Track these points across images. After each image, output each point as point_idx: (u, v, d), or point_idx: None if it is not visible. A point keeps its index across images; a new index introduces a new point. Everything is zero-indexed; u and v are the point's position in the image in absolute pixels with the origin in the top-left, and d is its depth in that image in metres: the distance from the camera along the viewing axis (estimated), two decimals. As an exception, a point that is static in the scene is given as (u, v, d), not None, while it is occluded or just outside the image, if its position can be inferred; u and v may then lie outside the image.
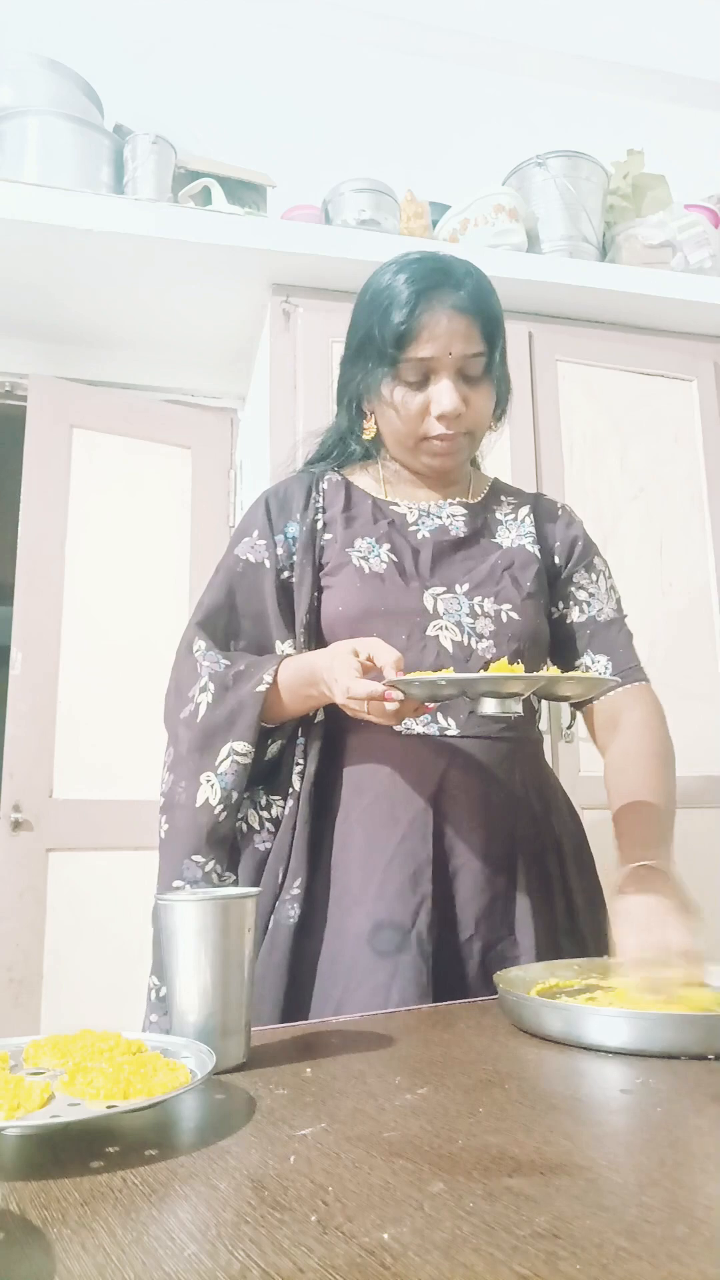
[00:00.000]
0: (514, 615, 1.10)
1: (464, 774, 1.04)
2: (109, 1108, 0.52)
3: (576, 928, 1.08)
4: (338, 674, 0.93)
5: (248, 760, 1.04)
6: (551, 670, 1.00)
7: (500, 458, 2.24)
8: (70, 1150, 0.51)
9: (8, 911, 2.20)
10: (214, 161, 2.34)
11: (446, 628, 1.07)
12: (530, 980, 0.84)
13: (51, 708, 2.32)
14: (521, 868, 1.05)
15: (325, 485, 1.17)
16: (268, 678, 1.03)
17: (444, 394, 1.05)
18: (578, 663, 1.16)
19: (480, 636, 1.07)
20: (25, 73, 2.26)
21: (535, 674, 0.90)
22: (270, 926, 1.01)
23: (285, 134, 2.59)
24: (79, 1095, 0.54)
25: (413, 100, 2.74)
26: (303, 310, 2.28)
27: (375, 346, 1.07)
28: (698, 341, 2.54)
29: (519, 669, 0.91)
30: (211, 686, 1.06)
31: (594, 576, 1.21)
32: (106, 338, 2.60)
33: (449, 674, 0.91)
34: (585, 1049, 0.69)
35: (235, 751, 1.03)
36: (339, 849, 1.04)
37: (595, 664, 1.16)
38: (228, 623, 1.13)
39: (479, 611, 1.09)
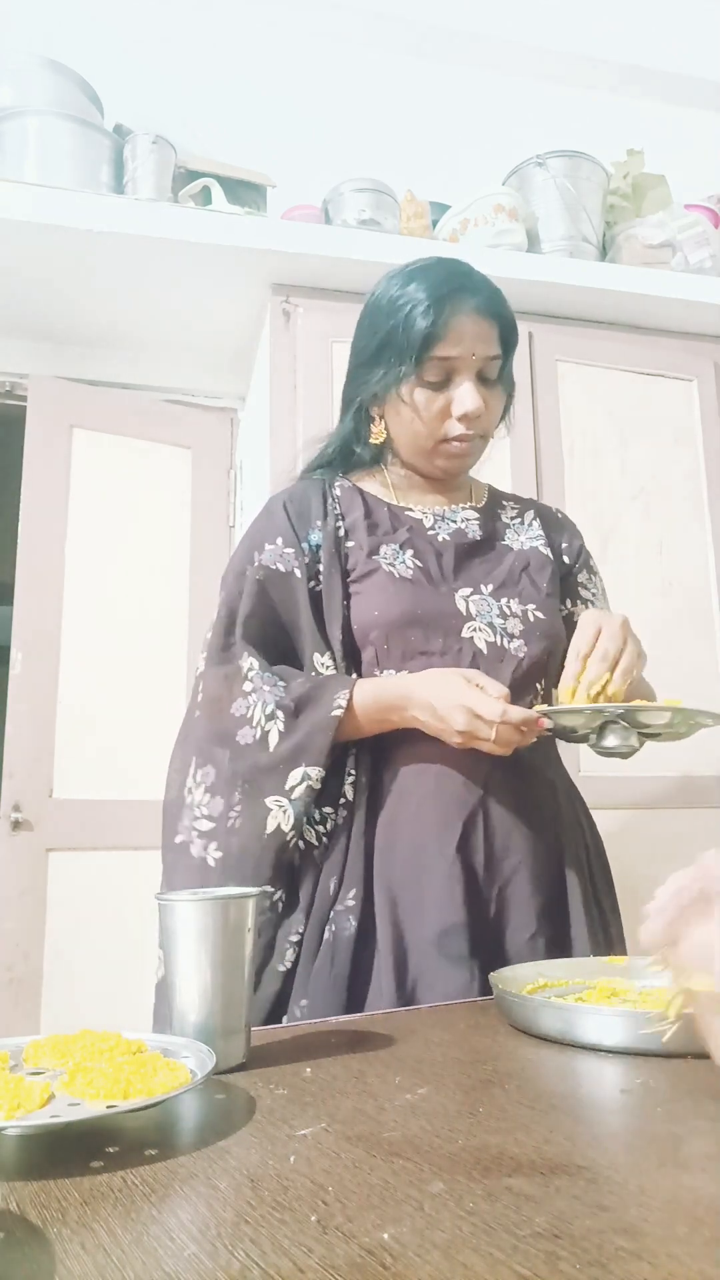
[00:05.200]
0: (539, 614, 1.13)
1: (508, 775, 1.05)
2: (109, 1108, 0.52)
3: (608, 922, 1.11)
4: (471, 700, 0.94)
5: (319, 784, 1.01)
6: (673, 702, 0.97)
7: (500, 458, 2.24)
8: (70, 1150, 0.51)
9: (8, 911, 2.20)
10: (214, 161, 2.34)
11: (480, 629, 1.09)
12: (521, 980, 0.84)
13: (51, 708, 2.32)
14: (568, 863, 1.08)
15: (338, 492, 1.16)
16: (341, 702, 1.00)
17: (466, 394, 1.07)
18: None
19: (511, 636, 1.10)
20: (25, 73, 2.25)
21: (693, 708, 0.91)
22: (326, 939, 0.99)
23: (285, 134, 2.59)
24: (79, 1095, 0.54)
25: (413, 100, 2.74)
26: (303, 310, 2.28)
27: (396, 347, 1.07)
28: (698, 341, 2.54)
29: (678, 701, 0.92)
30: (280, 715, 1.02)
31: (594, 578, 1.27)
32: (106, 338, 2.60)
33: (602, 704, 0.93)
34: (584, 1049, 0.69)
35: (309, 776, 1.00)
36: (393, 854, 1.02)
37: None
38: (263, 635, 1.10)
39: (508, 611, 1.11)
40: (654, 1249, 0.38)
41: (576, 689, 0.99)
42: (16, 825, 2.23)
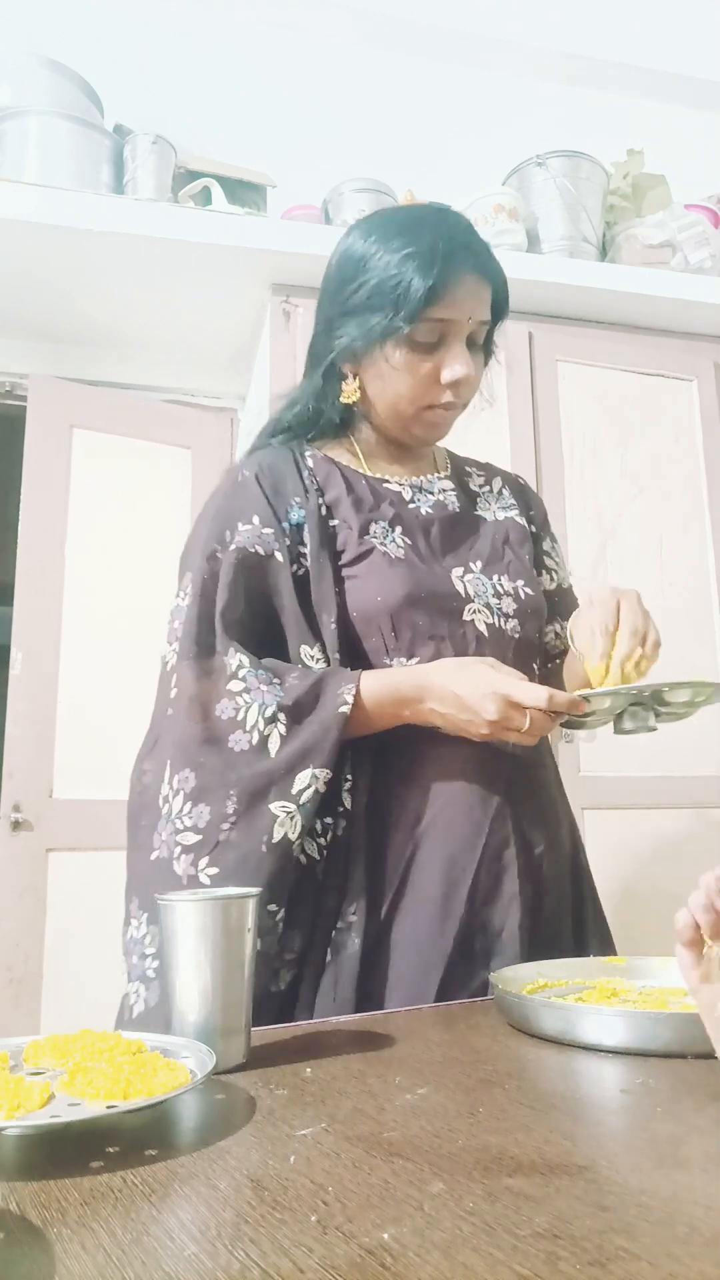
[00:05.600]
0: (529, 591, 1.08)
1: (527, 773, 1.03)
2: (109, 1108, 0.52)
3: (605, 934, 1.10)
4: (507, 688, 0.87)
5: (325, 786, 0.92)
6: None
7: (500, 458, 2.23)
8: (70, 1150, 0.51)
9: (8, 911, 2.20)
10: (214, 161, 2.34)
11: (479, 610, 1.03)
12: (520, 980, 0.84)
13: (51, 708, 2.32)
14: (581, 861, 1.08)
15: (310, 463, 1.07)
16: (348, 697, 0.92)
17: (458, 359, 1.00)
18: (548, 628, 1.16)
19: (507, 616, 1.05)
20: (25, 73, 2.26)
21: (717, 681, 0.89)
22: (330, 959, 0.91)
23: (285, 134, 2.59)
24: (79, 1095, 0.54)
25: (413, 100, 2.74)
26: (303, 310, 2.27)
27: (388, 301, 0.97)
28: (698, 341, 2.54)
29: (705, 678, 0.90)
30: (282, 717, 0.92)
31: (555, 545, 1.22)
32: (106, 338, 2.60)
33: (644, 684, 0.89)
34: (584, 1049, 0.69)
35: (317, 778, 0.91)
36: (409, 859, 0.96)
37: (563, 630, 1.17)
38: (245, 627, 0.99)
39: (501, 590, 1.05)
40: (654, 1249, 0.38)
41: (609, 667, 0.92)
42: (16, 825, 2.23)
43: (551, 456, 2.34)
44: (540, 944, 0.98)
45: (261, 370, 2.43)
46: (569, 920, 1.04)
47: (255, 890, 0.71)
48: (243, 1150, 0.50)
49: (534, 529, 1.18)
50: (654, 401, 2.47)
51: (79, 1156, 0.49)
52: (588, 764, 2.17)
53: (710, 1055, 0.65)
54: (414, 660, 0.99)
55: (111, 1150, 0.50)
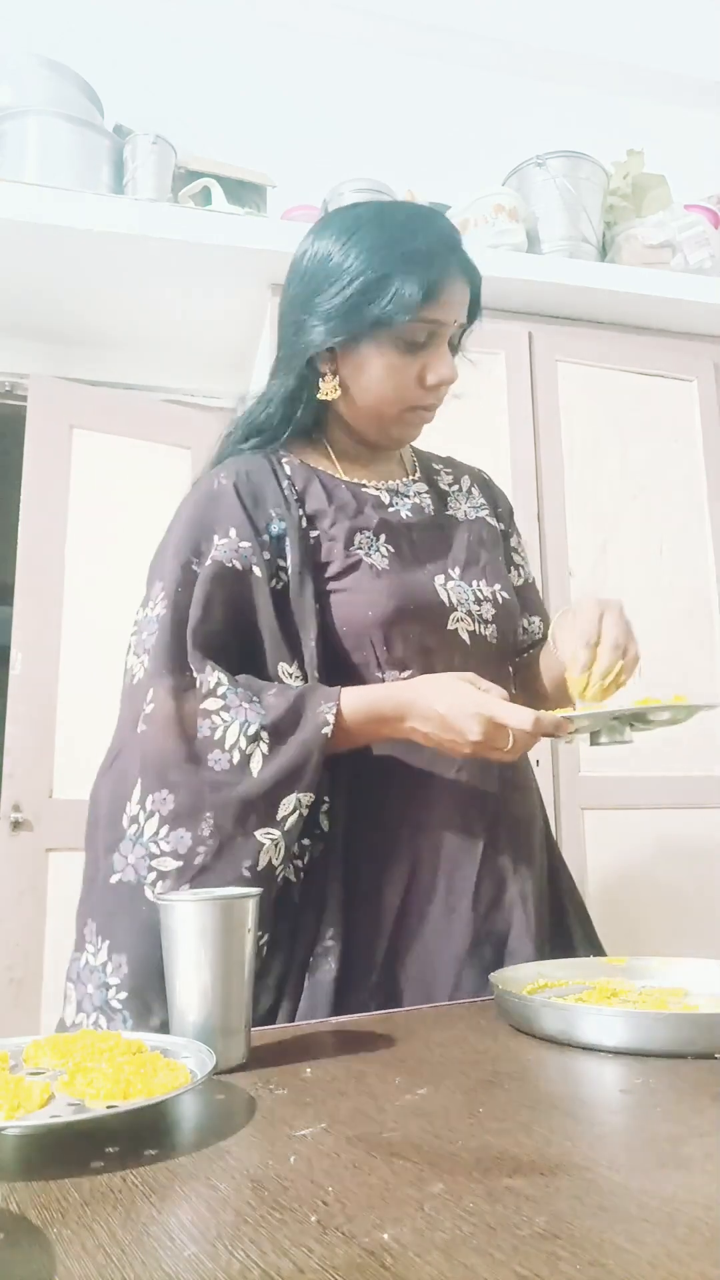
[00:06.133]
0: (505, 595, 1.08)
1: (517, 774, 1.04)
2: (109, 1108, 0.52)
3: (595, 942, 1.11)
4: (491, 709, 0.84)
5: (308, 811, 0.90)
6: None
7: (500, 458, 2.24)
8: (70, 1150, 0.51)
9: (8, 911, 2.20)
10: (214, 161, 2.34)
11: (461, 618, 1.02)
12: (521, 980, 0.84)
13: (51, 708, 2.32)
14: (564, 871, 1.09)
15: (289, 470, 1.04)
16: (329, 716, 0.89)
17: (444, 362, 1.00)
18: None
19: (486, 622, 1.04)
20: (25, 73, 2.26)
21: (697, 703, 0.88)
22: (306, 986, 0.90)
23: (285, 134, 2.59)
24: (79, 1095, 0.54)
25: (413, 100, 2.74)
26: (303, 310, 2.27)
27: (385, 297, 0.95)
28: (698, 341, 2.55)
29: (683, 698, 0.89)
30: (265, 736, 0.89)
31: (520, 539, 1.22)
32: (106, 338, 2.60)
33: (625, 707, 0.89)
34: (584, 1049, 0.69)
35: (301, 803, 0.89)
36: (385, 895, 0.95)
37: (531, 625, 1.18)
38: (217, 643, 0.95)
39: (481, 596, 1.04)
40: (654, 1249, 0.38)
41: (589, 681, 0.94)
42: (16, 825, 2.23)
43: (551, 456, 2.34)
44: (545, 947, 0.99)
45: (261, 370, 2.43)
46: (571, 922, 1.06)
47: (256, 890, 0.71)
48: (243, 1150, 0.50)
49: (502, 526, 1.18)
50: (654, 401, 2.47)
51: (79, 1156, 0.49)
52: (588, 764, 2.17)
53: (710, 1055, 0.65)
54: (406, 673, 0.97)
55: (111, 1150, 0.50)
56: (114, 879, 0.88)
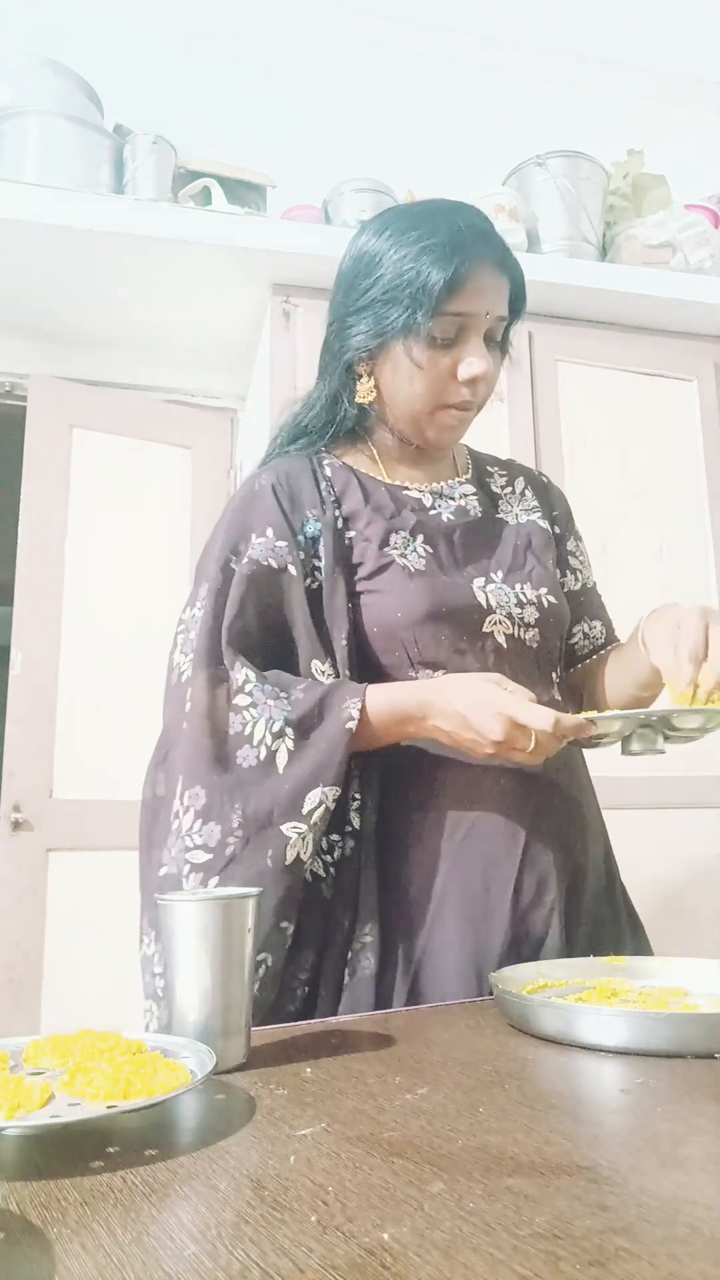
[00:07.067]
0: (552, 599, 1.05)
1: (561, 775, 1.02)
2: (109, 1108, 0.52)
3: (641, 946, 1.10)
4: (512, 709, 0.84)
5: (334, 804, 0.90)
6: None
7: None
8: (70, 1150, 0.51)
9: (8, 911, 2.20)
10: (214, 161, 2.35)
11: (499, 621, 1.00)
12: (520, 980, 0.84)
13: (51, 708, 2.32)
14: (617, 868, 1.08)
15: (329, 471, 1.05)
16: (354, 713, 0.90)
17: (476, 354, 0.97)
18: (575, 629, 1.15)
19: (527, 626, 1.02)
20: (25, 73, 2.26)
21: None
22: (346, 980, 0.90)
23: (285, 134, 2.59)
24: (79, 1095, 0.54)
25: (413, 100, 2.74)
26: (303, 310, 2.28)
27: (405, 294, 0.95)
28: (698, 341, 2.55)
29: (717, 702, 0.86)
30: (290, 732, 0.90)
31: (580, 544, 1.20)
32: (106, 338, 2.60)
33: (649, 709, 0.87)
34: (584, 1049, 0.69)
35: (327, 797, 0.89)
36: (438, 884, 0.95)
37: (592, 630, 1.17)
38: (252, 640, 0.97)
39: (524, 599, 1.03)
40: (654, 1249, 0.38)
41: (694, 697, 0.89)
42: (16, 825, 2.23)
43: (551, 456, 2.34)
44: (589, 944, 0.99)
45: (261, 370, 2.43)
46: (622, 919, 1.06)
47: (255, 890, 0.71)
48: (243, 1150, 0.50)
49: (557, 529, 1.16)
50: (654, 401, 2.47)
51: (79, 1156, 0.49)
52: (593, 765, 2.16)
53: (710, 1055, 0.65)
54: (439, 672, 0.97)
55: (111, 1150, 0.50)
56: (161, 872, 0.91)
